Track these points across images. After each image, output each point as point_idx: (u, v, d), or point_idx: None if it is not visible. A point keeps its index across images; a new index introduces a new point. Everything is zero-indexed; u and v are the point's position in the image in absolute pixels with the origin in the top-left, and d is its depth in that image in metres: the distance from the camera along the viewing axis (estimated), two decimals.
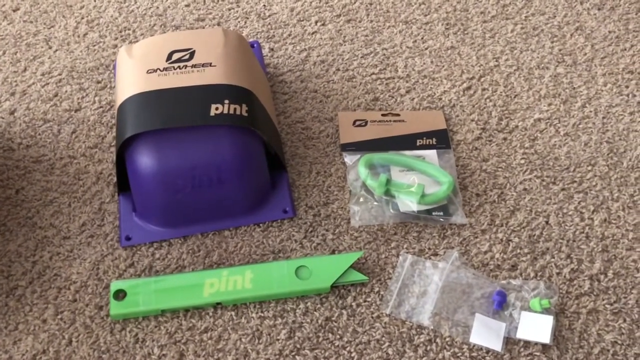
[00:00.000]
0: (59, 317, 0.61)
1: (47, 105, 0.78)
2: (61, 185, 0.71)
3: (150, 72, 0.65)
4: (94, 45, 0.86)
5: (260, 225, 0.67)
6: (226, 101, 0.64)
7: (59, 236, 0.67)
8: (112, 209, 0.69)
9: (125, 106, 0.64)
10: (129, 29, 0.88)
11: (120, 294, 0.61)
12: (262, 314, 0.61)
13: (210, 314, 0.61)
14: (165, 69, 0.66)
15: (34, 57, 0.84)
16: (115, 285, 0.61)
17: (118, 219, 0.68)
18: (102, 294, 0.62)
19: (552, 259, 0.64)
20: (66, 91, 0.80)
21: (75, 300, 0.62)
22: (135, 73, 0.66)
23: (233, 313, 0.61)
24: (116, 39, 0.86)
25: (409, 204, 0.67)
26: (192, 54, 0.67)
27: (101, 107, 0.78)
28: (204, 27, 0.88)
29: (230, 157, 0.64)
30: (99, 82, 0.81)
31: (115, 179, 0.71)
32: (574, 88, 0.80)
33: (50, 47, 0.86)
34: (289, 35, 0.87)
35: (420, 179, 0.69)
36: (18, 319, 0.61)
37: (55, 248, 0.66)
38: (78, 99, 0.79)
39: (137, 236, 0.66)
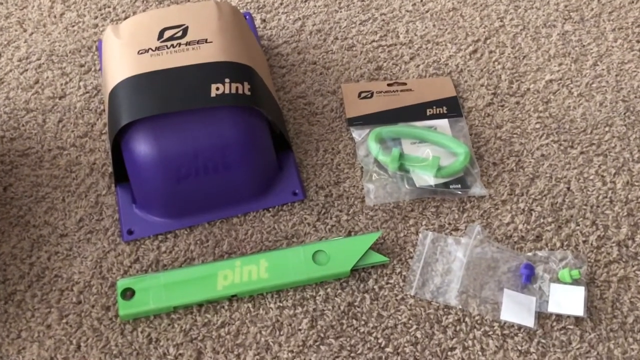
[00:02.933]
0: (64, 321, 0.57)
1: (28, 94, 0.73)
2: (52, 179, 0.66)
3: (141, 53, 0.60)
4: (73, 26, 0.80)
5: (270, 209, 0.64)
6: (227, 80, 0.59)
7: (56, 234, 0.62)
8: (110, 201, 0.64)
9: (117, 91, 0.60)
10: (109, 6, 0.82)
11: (128, 293, 0.58)
12: (280, 304, 0.58)
13: (226, 307, 0.58)
14: (158, 48, 0.61)
15: (8, 42, 0.78)
16: (122, 283, 0.57)
17: (117, 212, 0.64)
18: (108, 294, 0.59)
19: (577, 227, 0.62)
20: (47, 77, 0.74)
21: (80, 302, 0.58)
22: (125, 55, 0.61)
23: (250, 305, 0.58)
24: (96, 17, 0.81)
25: (425, 178, 0.64)
26: (185, 31, 0.62)
27: (87, 92, 0.73)
28: (191, 1, 0.82)
29: (235, 139, 0.60)
30: (82, 65, 0.76)
31: (110, 169, 0.67)
32: (584, 46, 0.77)
33: (25, 30, 0.80)
34: (281, 4, 0.82)
35: (434, 151, 0.66)
36: (20, 325, 0.57)
37: (53, 247, 0.61)
38: (61, 84, 0.74)
39: (140, 229, 0.62)
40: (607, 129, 0.69)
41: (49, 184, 0.66)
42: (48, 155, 0.68)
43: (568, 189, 0.65)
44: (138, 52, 0.61)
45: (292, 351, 0.55)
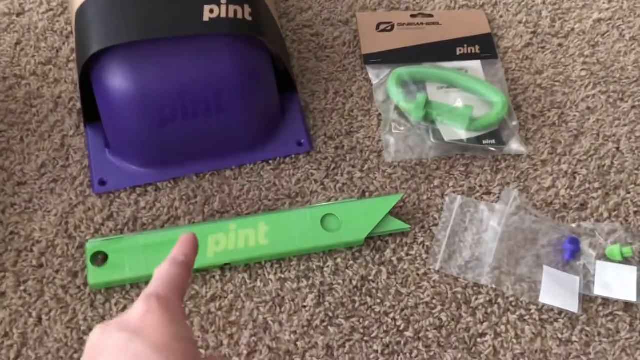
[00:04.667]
0: (22, 288, 0.48)
1: None
2: (8, 114, 0.55)
3: None
4: None
5: (270, 162, 0.54)
6: (223, 1, 0.48)
7: (12, 182, 0.52)
8: (79, 144, 0.54)
9: (85, 10, 0.48)
10: None
11: (99, 257, 0.48)
12: (282, 275, 0.49)
13: (217, 277, 0.49)
14: None
15: None
16: (92, 245, 0.48)
17: (87, 157, 0.53)
18: (75, 257, 0.49)
19: (628, 195, 0.53)
20: None
21: (42, 266, 0.49)
22: None
23: (246, 275, 0.49)
24: None
25: (455, 130, 0.54)
26: None
27: (51, 9, 0.61)
28: None
29: (231, 76, 0.49)
30: None
31: (79, 105, 0.56)
32: None
33: None
34: None
35: (464, 99, 0.56)
36: None
37: (8, 198, 0.51)
38: None
39: (114, 179, 0.52)
40: None
41: (4, 120, 0.55)
42: (3, 85, 0.56)
43: (617, 149, 0.56)
44: None
45: (295, 332, 0.47)
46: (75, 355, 0.45)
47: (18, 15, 0.60)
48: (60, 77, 0.57)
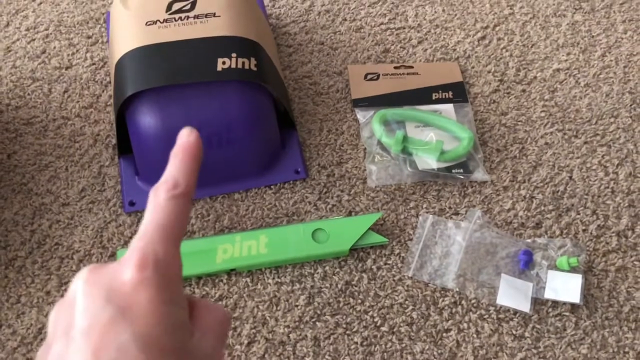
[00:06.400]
0: (64, 288, 0.58)
1: (34, 63, 0.73)
2: (56, 148, 0.66)
3: (149, 24, 0.60)
4: None
5: (272, 187, 0.64)
6: (233, 55, 0.59)
7: (58, 203, 0.63)
8: (113, 172, 0.65)
9: (123, 62, 0.60)
10: None
11: None
12: (278, 280, 0.58)
13: (225, 280, 0.58)
14: (166, 20, 0.61)
15: (17, 11, 0.78)
16: (122, 253, 0.58)
17: (120, 183, 0.64)
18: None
19: (578, 216, 0.62)
20: (55, 47, 0.74)
21: (80, 270, 0.58)
22: (132, 26, 0.61)
23: (248, 279, 0.58)
24: None
25: (427, 161, 0.64)
26: (193, 4, 0.62)
27: (94, 63, 0.73)
28: None
29: (239, 115, 0.60)
30: (89, 37, 0.76)
31: (114, 141, 0.67)
32: (593, 36, 0.76)
33: (33, 0, 0.79)
34: None
35: (438, 135, 0.66)
36: (20, 291, 0.57)
37: (54, 215, 0.62)
38: (68, 55, 0.74)
39: (142, 201, 0.62)
40: (612, 120, 0.69)
41: (53, 153, 0.66)
42: (53, 125, 0.68)
43: (570, 178, 0.65)
44: (146, 24, 0.60)
45: (288, 326, 0.56)
46: None
47: (67, 68, 0.73)
48: (99, 119, 0.69)
